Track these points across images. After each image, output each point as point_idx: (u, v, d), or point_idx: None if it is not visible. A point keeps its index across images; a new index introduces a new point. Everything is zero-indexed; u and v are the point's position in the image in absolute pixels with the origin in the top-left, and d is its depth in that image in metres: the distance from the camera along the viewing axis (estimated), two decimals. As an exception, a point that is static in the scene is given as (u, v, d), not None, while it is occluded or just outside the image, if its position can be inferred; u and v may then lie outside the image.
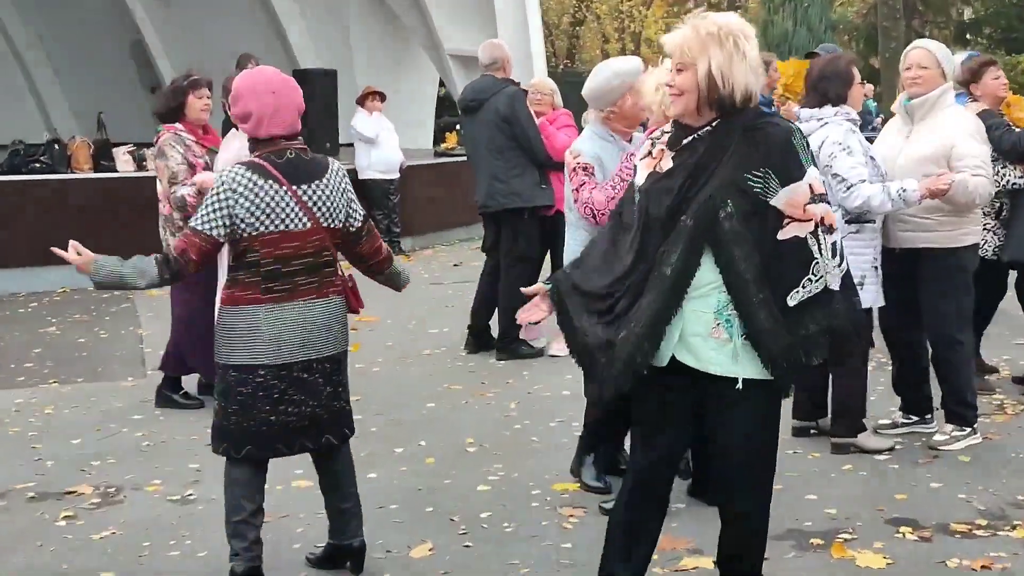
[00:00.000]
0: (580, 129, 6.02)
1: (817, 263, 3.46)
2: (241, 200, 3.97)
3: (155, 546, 4.84)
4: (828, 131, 5.50)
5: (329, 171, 4.16)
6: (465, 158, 15.78)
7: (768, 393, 3.53)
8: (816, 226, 3.45)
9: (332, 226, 4.13)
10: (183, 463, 5.91)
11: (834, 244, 3.49)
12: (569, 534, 4.84)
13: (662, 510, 3.78)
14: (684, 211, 3.46)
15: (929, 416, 6.01)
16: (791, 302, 3.45)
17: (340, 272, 4.28)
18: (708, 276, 3.45)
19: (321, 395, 4.19)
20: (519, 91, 8.22)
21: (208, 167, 6.76)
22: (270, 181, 4.01)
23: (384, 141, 13.37)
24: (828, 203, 3.55)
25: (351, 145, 13.72)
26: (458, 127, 16.87)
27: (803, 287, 3.46)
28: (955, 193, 5.35)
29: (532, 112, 8.13)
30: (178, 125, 6.83)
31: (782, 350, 3.43)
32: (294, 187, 4.04)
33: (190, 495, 5.45)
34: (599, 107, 5.14)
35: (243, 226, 3.99)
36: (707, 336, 3.48)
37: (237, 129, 6.75)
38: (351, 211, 4.21)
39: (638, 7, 49.97)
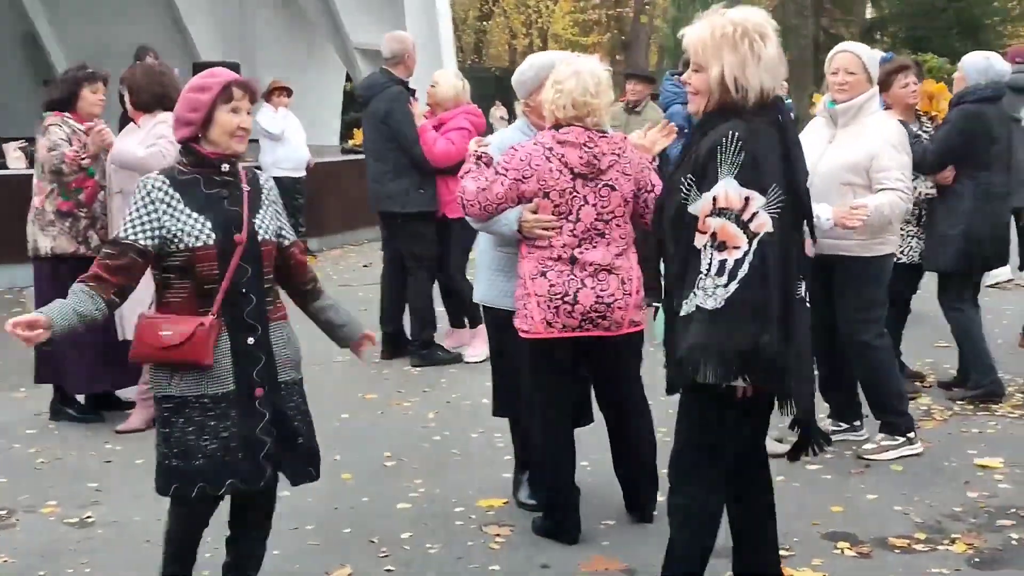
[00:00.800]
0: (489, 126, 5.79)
1: (701, 278, 3.38)
2: None
3: (51, 574, 4.49)
4: None
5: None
6: (372, 155, 15.69)
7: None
8: (708, 239, 3.38)
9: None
10: (81, 482, 5.55)
11: (722, 263, 3.35)
12: (496, 555, 4.60)
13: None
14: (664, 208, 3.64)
15: (858, 423, 5.89)
16: (681, 312, 3.45)
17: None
18: None
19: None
20: (400, 92, 7.87)
21: (96, 157, 6.44)
22: None
23: (290, 138, 12.98)
24: (737, 219, 3.36)
25: (256, 141, 13.30)
26: (366, 123, 16.59)
27: (688, 298, 3.42)
28: (872, 222, 5.27)
29: (412, 113, 7.74)
30: (66, 114, 6.45)
31: (677, 359, 3.46)
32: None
33: (89, 518, 5.09)
34: (520, 98, 4.98)
35: None
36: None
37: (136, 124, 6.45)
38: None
39: (545, 2, 49.93)
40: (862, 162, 5.41)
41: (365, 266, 12.67)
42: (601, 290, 4.46)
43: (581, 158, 4.44)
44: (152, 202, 3.66)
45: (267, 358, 3.79)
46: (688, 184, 3.44)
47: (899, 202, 5.38)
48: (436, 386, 7.32)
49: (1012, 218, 10.07)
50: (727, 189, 3.35)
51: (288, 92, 13.13)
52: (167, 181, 3.71)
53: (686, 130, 7.54)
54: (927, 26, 27.98)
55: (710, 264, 3.35)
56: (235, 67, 15.09)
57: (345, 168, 14.83)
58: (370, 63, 17.15)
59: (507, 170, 4.53)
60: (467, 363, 7.84)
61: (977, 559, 4.43)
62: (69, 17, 19.13)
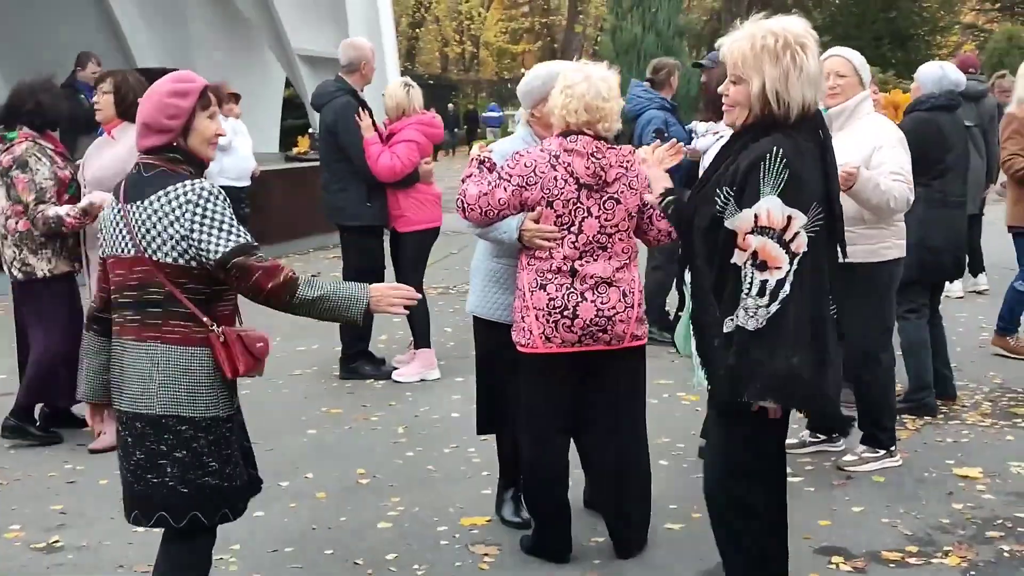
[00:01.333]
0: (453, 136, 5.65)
1: (743, 297, 3.33)
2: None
3: (22, 605, 4.31)
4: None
5: (160, 192, 3.39)
6: (317, 163, 15.46)
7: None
8: (750, 257, 3.32)
9: (159, 259, 3.39)
10: (44, 505, 5.34)
11: (764, 283, 3.30)
12: (487, 575, 4.49)
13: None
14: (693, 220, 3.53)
15: (836, 434, 5.85)
16: (725, 328, 3.39)
17: (192, 321, 3.43)
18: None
19: (130, 458, 3.51)
20: (347, 102, 7.66)
21: (73, 178, 6.23)
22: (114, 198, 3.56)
23: (237, 146, 12.72)
24: (779, 239, 3.31)
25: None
26: (311, 130, 16.36)
27: (731, 318, 3.38)
28: (863, 189, 5.13)
29: (359, 124, 7.54)
30: (33, 132, 6.22)
31: (722, 375, 3.39)
32: (127, 205, 3.47)
33: (56, 542, 4.90)
34: (525, 108, 4.85)
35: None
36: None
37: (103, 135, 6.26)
38: (191, 245, 3.34)
39: (477, 9, 49.96)
40: (863, 161, 5.31)
41: (313, 275, 12.43)
42: (602, 303, 4.34)
43: (588, 168, 4.31)
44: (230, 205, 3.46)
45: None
46: (726, 196, 3.36)
47: (899, 185, 5.26)
48: (402, 400, 7.18)
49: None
50: (770, 208, 3.28)
51: (237, 98, 12.88)
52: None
53: (665, 134, 7.55)
54: (858, 36, 28.30)
55: (751, 284, 3.30)
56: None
57: (289, 176, 14.61)
58: (311, 69, 17.00)
59: (511, 176, 4.40)
60: (415, 382, 7.68)
61: (973, 572, 4.41)
62: (1, 22, 18.71)
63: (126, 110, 6.13)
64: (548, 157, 4.36)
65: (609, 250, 4.37)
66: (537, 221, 4.37)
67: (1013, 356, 7.89)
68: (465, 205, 4.52)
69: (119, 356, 3.48)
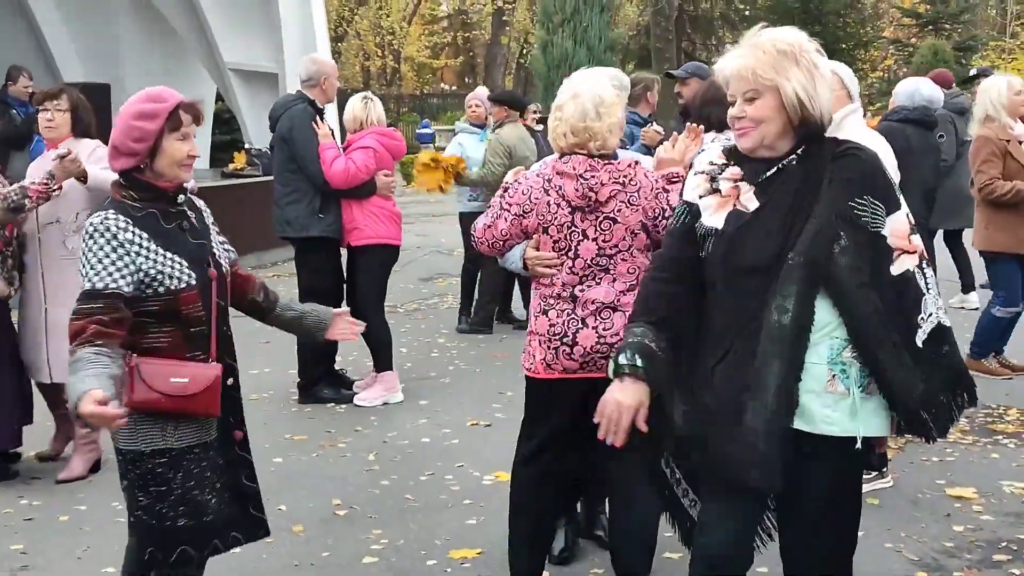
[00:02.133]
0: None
1: (926, 299, 3.10)
2: None
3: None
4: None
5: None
6: (253, 179, 15.12)
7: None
8: (920, 259, 3.12)
9: None
10: (3, 544, 5.02)
11: (933, 277, 3.16)
12: (487, 614, 4.28)
13: None
14: (791, 250, 3.00)
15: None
16: (919, 343, 3.06)
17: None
18: (823, 320, 3.01)
19: None
20: (303, 109, 7.43)
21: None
22: None
23: (173, 162, 12.40)
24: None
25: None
26: (246, 146, 16.00)
27: (919, 326, 3.08)
28: None
29: (315, 131, 7.31)
30: None
31: (921, 398, 3.05)
32: None
33: (21, 585, 4.60)
34: None
35: None
36: (821, 392, 3.02)
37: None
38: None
39: (399, 23, 49.69)
40: None
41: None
42: (604, 329, 4.09)
43: (576, 190, 4.09)
44: (121, 244, 3.25)
45: (238, 397, 3.58)
46: (871, 207, 3.04)
47: None
48: (367, 425, 6.93)
49: (948, 242, 10.24)
50: (904, 205, 3.14)
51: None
52: (128, 220, 3.29)
53: (628, 145, 7.39)
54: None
55: (927, 282, 3.10)
56: (105, 88, 14.48)
57: (226, 194, 14.23)
58: (244, 83, 16.65)
59: (510, 205, 4.22)
60: (361, 405, 7.42)
61: (988, 598, 4.30)
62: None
63: (81, 128, 5.91)
64: (542, 182, 4.17)
65: (612, 272, 4.11)
66: (538, 248, 4.19)
67: (990, 375, 7.66)
68: (475, 239, 4.38)
69: None
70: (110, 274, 3.20)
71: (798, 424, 3.01)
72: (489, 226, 4.28)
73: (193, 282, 3.31)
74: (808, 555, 3.21)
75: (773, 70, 3.03)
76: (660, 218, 4.09)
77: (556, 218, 4.12)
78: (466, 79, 54.95)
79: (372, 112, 7.48)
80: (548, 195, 4.12)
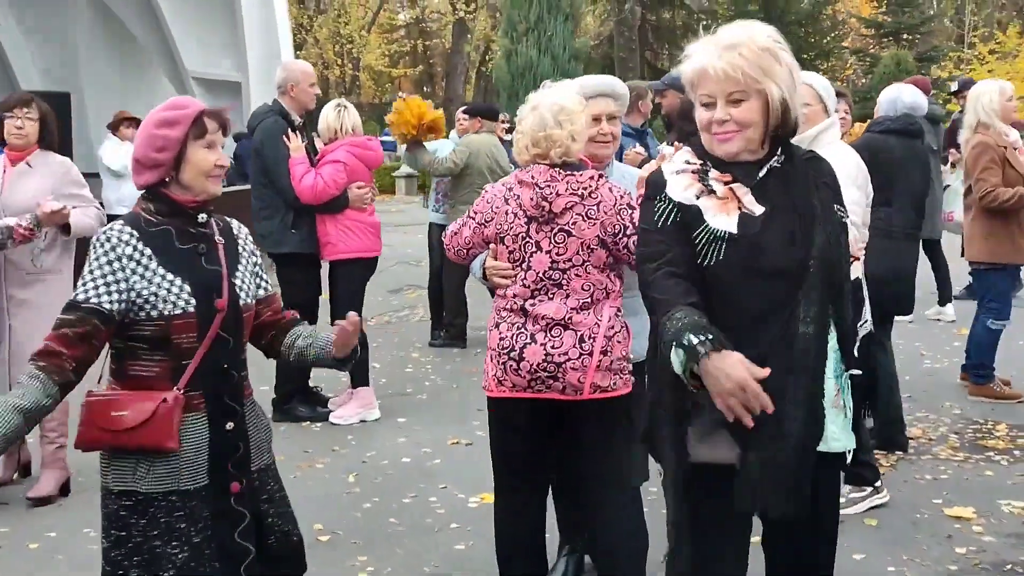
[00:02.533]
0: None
1: (865, 307, 3.08)
2: None
3: None
4: None
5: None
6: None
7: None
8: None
9: None
10: (-31, 577, 4.80)
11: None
12: (482, 646, 4.11)
13: None
14: (810, 256, 2.86)
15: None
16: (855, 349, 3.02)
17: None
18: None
19: None
20: (274, 122, 7.22)
21: None
22: None
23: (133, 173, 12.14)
24: None
25: (97, 176, 12.39)
26: (211, 156, 15.77)
27: (858, 332, 3.05)
28: None
29: (286, 145, 7.09)
30: None
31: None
32: None
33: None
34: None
35: None
36: (830, 407, 2.90)
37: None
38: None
39: (359, 32, 49.45)
40: None
41: (221, 309, 11.91)
42: (552, 347, 3.89)
43: (532, 199, 3.92)
44: (119, 258, 3.01)
45: (244, 446, 3.19)
46: (842, 216, 2.99)
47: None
48: (344, 444, 6.74)
49: (927, 252, 10.06)
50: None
51: (136, 123, 12.29)
52: (135, 234, 3.06)
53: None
54: (747, 59, 28.63)
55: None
56: (65, 97, 14.22)
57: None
58: (207, 92, 16.40)
59: (475, 213, 4.10)
60: (338, 423, 7.24)
61: (999, 625, 4.18)
62: None
63: (48, 139, 5.74)
64: (504, 191, 4.03)
65: (565, 288, 3.91)
66: (496, 258, 4.04)
67: (1000, 401, 7.40)
68: (445, 246, 4.28)
69: None
70: (96, 287, 3.00)
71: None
72: (455, 233, 4.19)
73: (191, 309, 3.04)
74: (800, 564, 3.11)
75: (761, 71, 2.85)
76: (621, 235, 3.88)
77: (512, 228, 3.97)
78: (424, 88, 54.82)
79: (347, 120, 7.29)
80: (507, 204, 3.99)
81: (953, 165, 9.75)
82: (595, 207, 3.89)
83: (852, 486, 5.37)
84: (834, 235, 2.90)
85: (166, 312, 3.02)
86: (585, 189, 3.91)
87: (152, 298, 3.03)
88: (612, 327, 3.93)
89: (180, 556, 3.04)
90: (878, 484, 5.41)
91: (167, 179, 3.10)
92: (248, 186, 14.74)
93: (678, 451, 2.94)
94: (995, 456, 6.22)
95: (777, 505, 2.84)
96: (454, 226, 4.21)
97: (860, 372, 3.04)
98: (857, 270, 3.07)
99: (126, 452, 3.04)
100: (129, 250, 3.03)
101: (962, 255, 7.89)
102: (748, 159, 2.95)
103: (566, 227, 3.90)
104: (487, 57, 48.16)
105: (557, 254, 3.91)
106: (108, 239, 3.04)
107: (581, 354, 3.88)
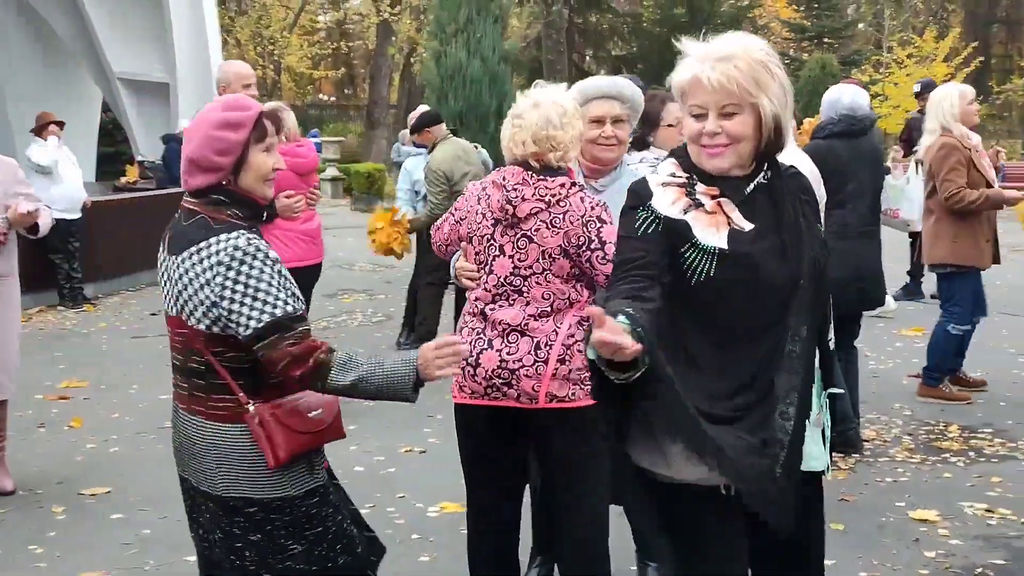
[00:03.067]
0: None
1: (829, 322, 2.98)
2: None
3: None
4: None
5: (193, 247, 2.91)
6: (148, 193, 14.56)
7: None
8: None
9: (192, 325, 2.93)
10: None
11: None
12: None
13: None
14: (801, 273, 2.81)
15: None
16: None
17: (232, 396, 2.97)
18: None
19: (207, 535, 3.11)
20: None
21: None
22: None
23: (64, 175, 11.85)
24: None
25: (23, 179, 12.06)
26: (139, 159, 15.44)
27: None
28: None
29: None
30: None
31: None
32: (169, 257, 3.00)
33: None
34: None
35: None
36: (813, 426, 2.87)
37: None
38: (221, 315, 2.88)
39: (281, 33, 48.99)
40: None
41: (153, 314, 11.64)
42: (508, 354, 3.78)
43: (498, 201, 3.81)
44: (276, 261, 2.94)
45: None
46: (821, 232, 2.99)
47: None
48: (295, 453, 6.57)
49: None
50: None
51: (61, 125, 11.98)
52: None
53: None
54: (671, 66, 28.76)
55: None
56: (-14, 97, 13.86)
57: (120, 207, 13.66)
58: (134, 93, 16.09)
59: (456, 210, 4.02)
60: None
61: (976, 630, 4.16)
62: None
63: None
64: (479, 190, 3.93)
65: (526, 295, 3.79)
66: (466, 259, 3.97)
67: (949, 402, 7.43)
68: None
69: (174, 420, 3.10)
70: (295, 296, 2.91)
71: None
72: (438, 228, 4.11)
73: (301, 305, 2.97)
74: None
75: (756, 85, 2.74)
76: (585, 247, 3.73)
77: (479, 229, 3.87)
78: (345, 90, 54.42)
79: (284, 124, 7.08)
80: (479, 204, 3.89)
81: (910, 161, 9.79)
82: (561, 216, 3.74)
83: None
84: (820, 252, 2.87)
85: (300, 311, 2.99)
86: (553, 196, 3.77)
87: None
88: (572, 335, 3.78)
89: (352, 529, 3.15)
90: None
91: (223, 183, 2.97)
92: (178, 189, 14.60)
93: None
94: (951, 458, 6.25)
95: (776, 520, 2.78)
96: (440, 220, 4.13)
97: (840, 391, 3.04)
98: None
99: (299, 454, 2.98)
100: (274, 254, 2.96)
101: (916, 259, 7.91)
102: (736, 174, 2.85)
103: (528, 233, 3.77)
104: (411, 59, 47.99)
105: (519, 260, 3.79)
106: (258, 248, 2.90)
107: (536, 361, 3.75)
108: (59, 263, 11.86)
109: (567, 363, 3.75)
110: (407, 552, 5.00)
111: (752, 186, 2.84)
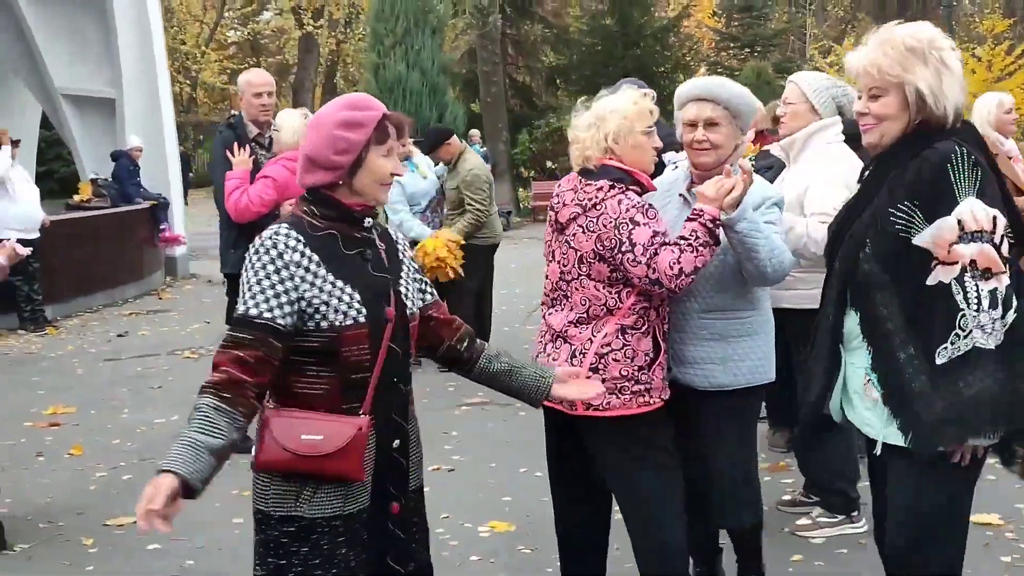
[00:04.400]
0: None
1: (964, 315, 2.89)
2: None
3: None
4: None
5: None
6: (103, 212, 14.14)
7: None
8: (963, 270, 2.89)
9: None
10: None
11: (993, 292, 2.90)
12: None
13: None
14: (836, 252, 3.18)
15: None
16: (938, 360, 2.92)
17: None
18: (855, 328, 3.11)
19: None
20: (219, 136, 6.89)
21: None
22: None
23: (20, 193, 11.45)
24: (991, 242, 2.91)
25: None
26: (92, 176, 15.01)
27: (951, 343, 2.90)
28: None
29: (228, 160, 6.63)
30: None
31: (933, 420, 2.91)
32: None
33: None
34: None
35: None
36: (862, 394, 3.11)
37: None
38: None
39: (199, 48, 48.39)
40: (797, 199, 4.84)
41: (121, 335, 11.29)
42: (552, 360, 3.79)
43: (550, 206, 3.93)
44: (287, 266, 2.77)
45: (405, 463, 2.99)
46: (908, 212, 2.93)
47: (820, 227, 4.52)
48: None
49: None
50: (973, 209, 2.89)
51: (16, 143, 11.57)
52: (301, 238, 2.81)
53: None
54: (605, 74, 28.88)
55: (978, 297, 2.87)
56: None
57: (74, 226, 13.22)
58: (77, 110, 15.66)
59: None
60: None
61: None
62: None
63: None
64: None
65: (569, 300, 3.80)
66: None
67: None
68: None
69: None
70: (267, 300, 2.73)
71: (851, 416, 3.18)
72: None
73: (362, 320, 2.80)
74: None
75: (900, 67, 3.00)
76: (617, 251, 3.66)
77: (547, 234, 3.99)
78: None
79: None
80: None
81: None
82: (595, 219, 3.72)
83: (822, 510, 5.24)
84: (861, 237, 3.05)
85: (337, 322, 2.78)
86: (590, 200, 3.74)
87: (323, 307, 2.78)
88: (608, 344, 3.74)
89: None
90: (854, 513, 5.22)
91: (339, 182, 2.85)
92: (133, 207, 14.23)
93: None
94: (990, 460, 6.21)
95: None
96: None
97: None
98: (944, 275, 2.98)
99: (298, 477, 2.79)
100: (296, 256, 2.79)
101: None
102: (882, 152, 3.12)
103: (568, 238, 3.79)
104: (335, 71, 47.66)
105: (563, 265, 3.82)
106: (274, 244, 2.78)
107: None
108: (19, 285, 11.43)
109: (600, 372, 3.73)
110: (473, 574, 4.84)
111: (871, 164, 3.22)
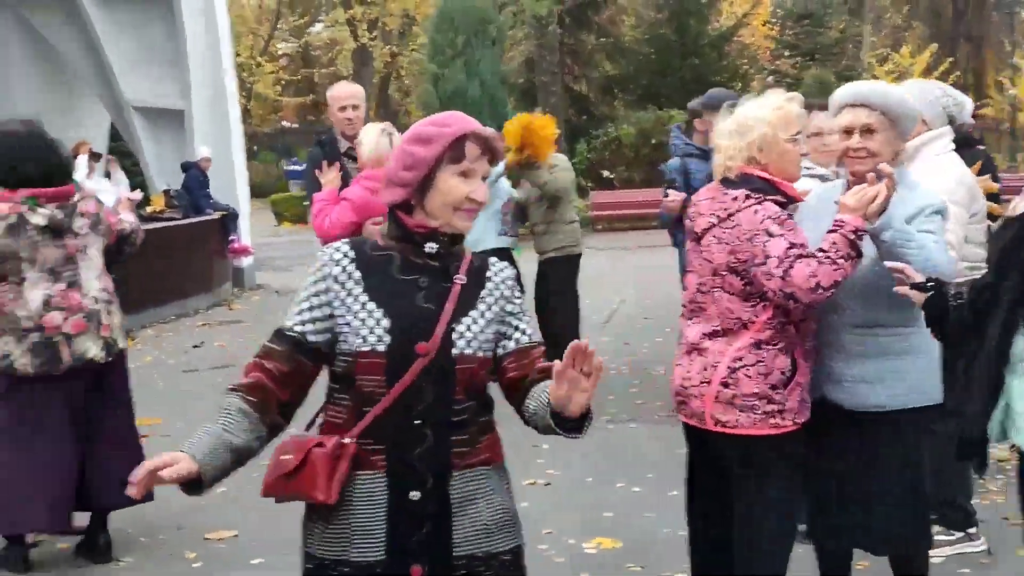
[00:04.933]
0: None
1: None
2: None
3: None
4: None
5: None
6: (176, 223, 14.23)
7: None
8: None
9: None
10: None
11: None
12: None
13: None
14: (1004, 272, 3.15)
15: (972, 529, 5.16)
16: None
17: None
18: None
19: None
20: (311, 152, 6.84)
21: None
22: None
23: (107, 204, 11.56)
24: None
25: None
26: (166, 187, 15.13)
27: None
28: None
29: (316, 179, 6.47)
30: None
31: None
32: None
33: None
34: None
35: None
36: None
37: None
38: None
39: (254, 59, 48.75)
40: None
41: (196, 346, 11.34)
42: (685, 372, 3.75)
43: (687, 216, 3.90)
44: (324, 279, 2.67)
45: (436, 523, 2.65)
46: None
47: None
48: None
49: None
50: None
51: (97, 156, 11.70)
52: (351, 254, 2.69)
53: (676, 183, 6.96)
54: (663, 83, 28.84)
55: None
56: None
57: (147, 237, 13.29)
58: (148, 122, 15.79)
59: None
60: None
61: None
62: None
63: None
64: None
65: (705, 312, 3.73)
66: None
67: None
68: None
69: None
70: (300, 313, 2.67)
71: (1015, 439, 3.18)
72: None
73: (381, 348, 2.61)
74: None
75: None
76: (752, 264, 3.57)
77: (689, 245, 3.91)
78: (308, 117, 54.27)
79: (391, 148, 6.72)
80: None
81: None
82: (729, 230, 3.64)
83: (940, 527, 5.03)
84: None
85: (354, 347, 2.63)
86: (725, 211, 3.66)
87: (346, 328, 2.65)
88: (740, 359, 3.64)
89: None
90: (972, 531, 5.09)
91: (412, 202, 2.70)
92: (205, 218, 14.30)
93: None
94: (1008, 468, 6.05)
95: None
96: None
97: None
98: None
99: (311, 507, 2.67)
100: (337, 271, 2.68)
101: None
102: None
103: (704, 249, 3.72)
104: (388, 83, 47.83)
105: (700, 277, 3.75)
106: (321, 260, 2.71)
107: (703, 382, 3.69)
108: (96, 295, 11.53)
109: (731, 387, 3.64)
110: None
111: None
